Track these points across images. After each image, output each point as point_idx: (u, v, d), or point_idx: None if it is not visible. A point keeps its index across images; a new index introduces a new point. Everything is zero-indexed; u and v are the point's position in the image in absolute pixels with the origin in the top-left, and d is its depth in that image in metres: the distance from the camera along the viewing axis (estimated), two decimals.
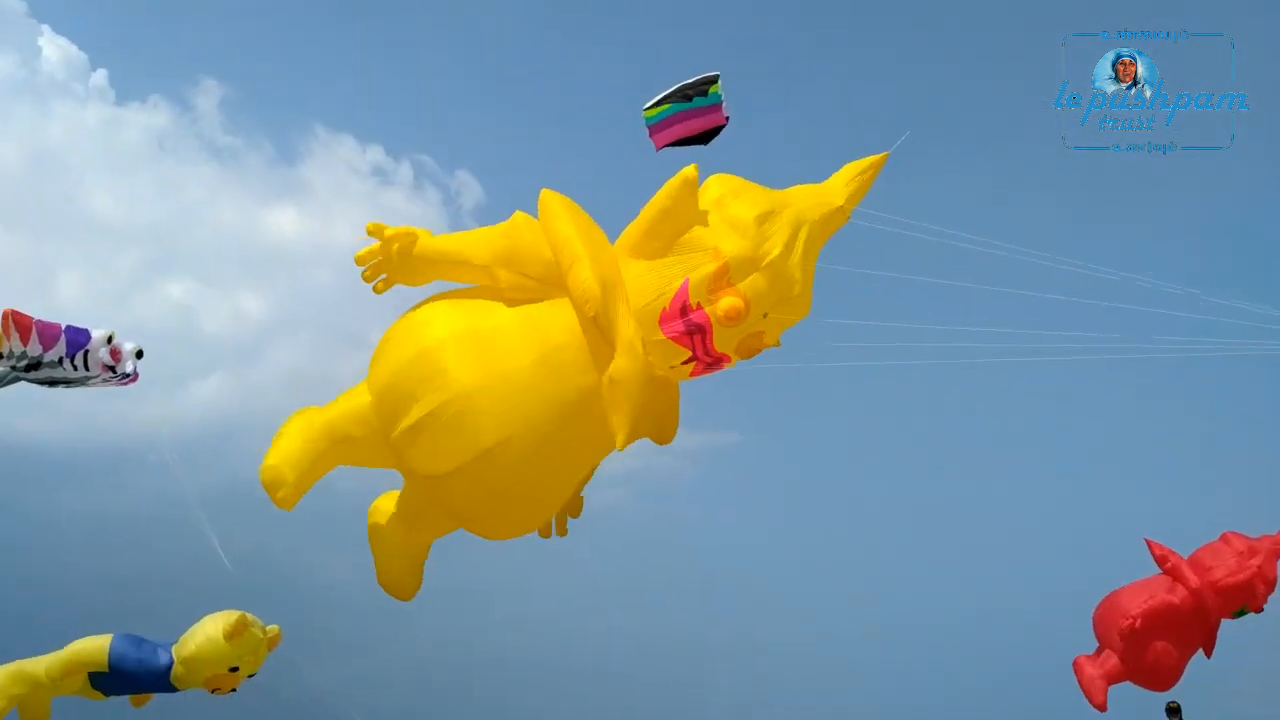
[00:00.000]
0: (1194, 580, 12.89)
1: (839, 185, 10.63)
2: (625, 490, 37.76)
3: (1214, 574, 12.82)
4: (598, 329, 9.95)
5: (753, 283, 9.83)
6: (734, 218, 10.03)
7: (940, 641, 30.79)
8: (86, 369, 14.14)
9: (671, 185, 10.11)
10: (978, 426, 36.24)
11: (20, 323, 13.52)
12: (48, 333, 13.78)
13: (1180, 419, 33.84)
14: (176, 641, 14.53)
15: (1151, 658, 13.03)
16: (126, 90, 40.59)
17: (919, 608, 31.54)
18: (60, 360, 13.94)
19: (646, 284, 10.08)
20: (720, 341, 9.96)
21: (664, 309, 9.94)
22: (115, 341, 14.26)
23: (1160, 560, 13.26)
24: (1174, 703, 13.87)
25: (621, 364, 9.80)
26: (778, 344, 10.37)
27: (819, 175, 10.75)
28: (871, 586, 32.83)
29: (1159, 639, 12.92)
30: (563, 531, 11.75)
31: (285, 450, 10.92)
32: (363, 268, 10.74)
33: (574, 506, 11.72)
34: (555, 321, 10.28)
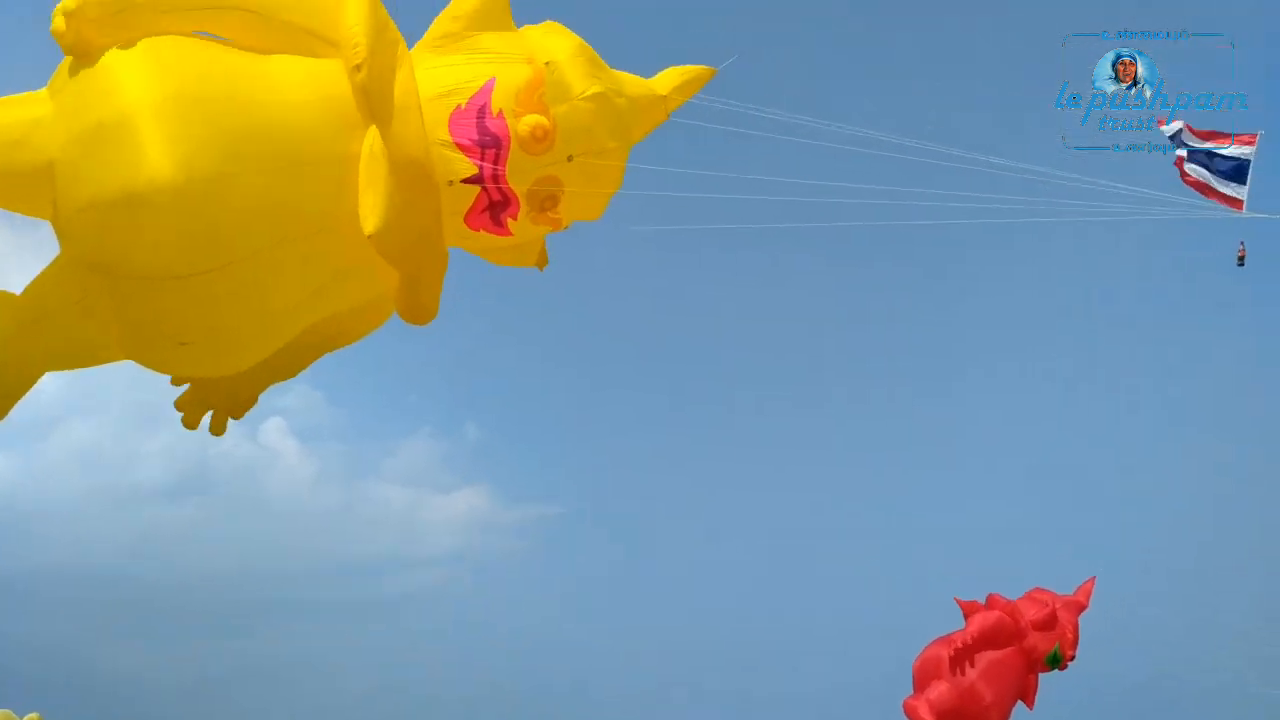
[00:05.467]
0: (1018, 614, 13.30)
1: (663, 79, 9.99)
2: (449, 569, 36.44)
3: (1027, 614, 13.45)
4: (361, 93, 8.02)
5: (566, 113, 8.58)
6: (557, 45, 8.93)
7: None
8: None
9: None
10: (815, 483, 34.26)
11: None
12: None
13: None
14: None
15: (977, 701, 13.01)
16: None
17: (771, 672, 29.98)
18: None
19: (441, 76, 8.52)
20: (514, 170, 8.44)
21: (458, 106, 8.39)
22: None
23: (970, 610, 13.57)
24: None
25: (393, 133, 8.04)
26: (564, 225, 9.14)
27: None
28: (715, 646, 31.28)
29: (986, 680, 12.99)
30: (218, 430, 10.00)
31: None
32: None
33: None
34: (311, 75, 8.31)
